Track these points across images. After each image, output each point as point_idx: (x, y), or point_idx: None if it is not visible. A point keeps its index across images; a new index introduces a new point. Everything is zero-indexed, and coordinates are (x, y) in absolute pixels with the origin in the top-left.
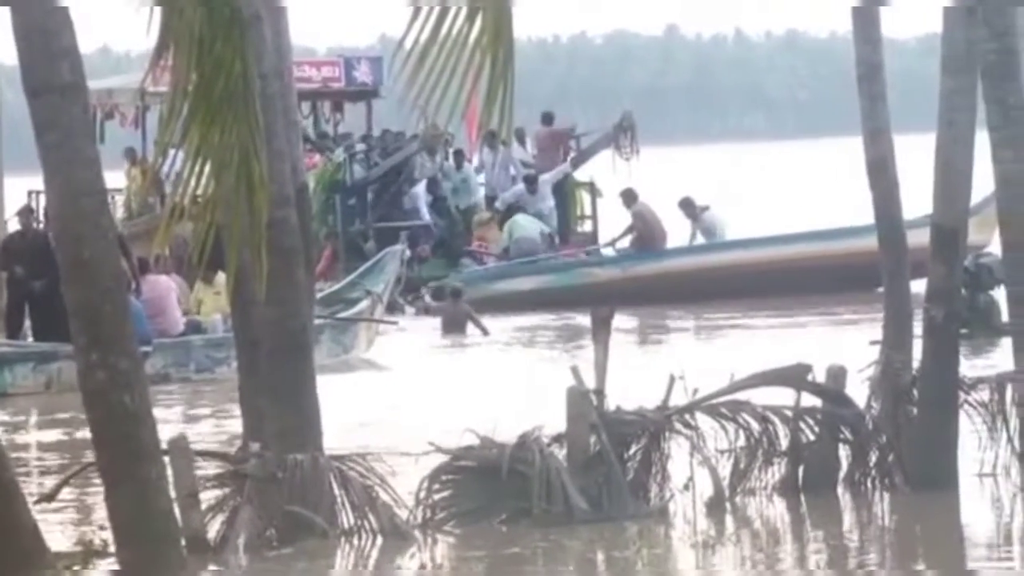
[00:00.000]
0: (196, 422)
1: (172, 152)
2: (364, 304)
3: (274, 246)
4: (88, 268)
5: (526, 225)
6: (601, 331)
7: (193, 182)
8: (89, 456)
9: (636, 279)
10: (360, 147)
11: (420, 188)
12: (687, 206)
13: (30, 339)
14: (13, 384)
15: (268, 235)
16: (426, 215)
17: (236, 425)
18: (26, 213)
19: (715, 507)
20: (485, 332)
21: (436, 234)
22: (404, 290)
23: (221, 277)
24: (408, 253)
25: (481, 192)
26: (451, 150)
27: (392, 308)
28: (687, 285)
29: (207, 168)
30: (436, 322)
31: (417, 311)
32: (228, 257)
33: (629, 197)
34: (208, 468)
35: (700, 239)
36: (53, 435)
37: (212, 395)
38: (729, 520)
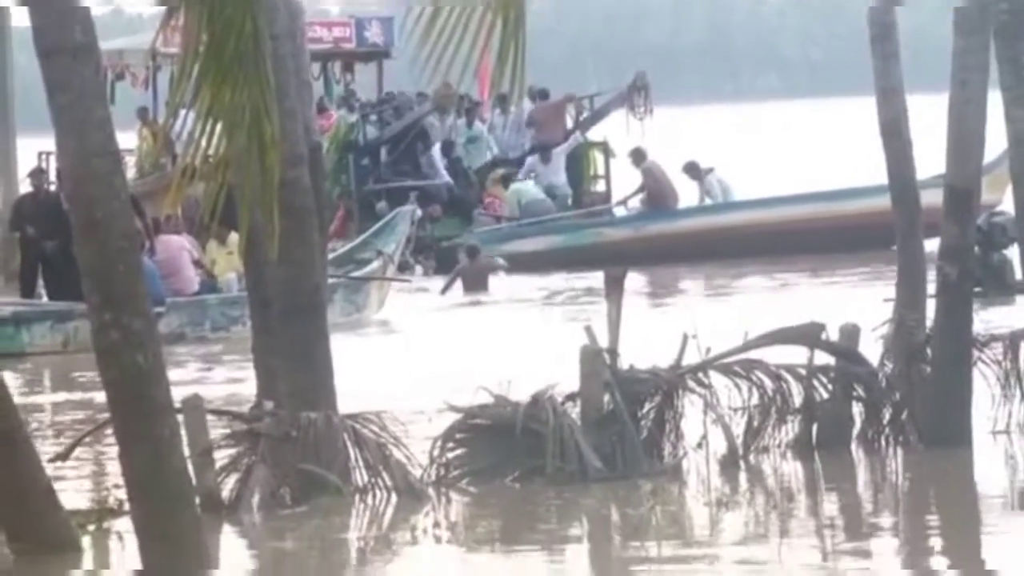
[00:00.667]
0: (210, 381)
1: (183, 113)
2: (376, 264)
3: (286, 206)
4: (101, 228)
5: (529, 189)
6: (614, 290)
7: (204, 142)
8: (103, 416)
9: (648, 239)
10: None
11: (436, 149)
12: (691, 169)
13: (44, 299)
14: (31, 343)
15: (280, 195)
16: (445, 175)
17: (250, 384)
18: (37, 175)
19: (729, 465)
20: (507, 269)
21: (450, 194)
22: (415, 249)
23: (234, 237)
24: (419, 213)
25: (492, 152)
26: (465, 109)
27: (403, 268)
28: (699, 245)
29: (218, 128)
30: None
31: (426, 271)
32: (240, 217)
33: (638, 156)
34: (222, 427)
35: (708, 201)
36: (69, 395)
37: (226, 354)
38: (743, 478)
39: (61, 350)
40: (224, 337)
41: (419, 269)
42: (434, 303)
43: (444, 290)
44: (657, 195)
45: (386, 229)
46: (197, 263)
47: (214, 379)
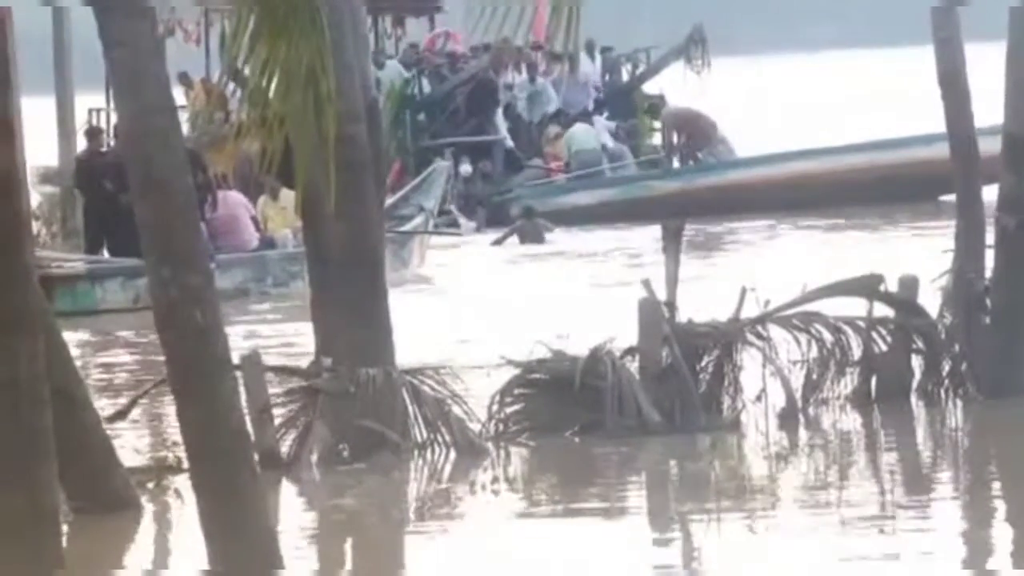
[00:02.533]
0: (269, 338)
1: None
2: (418, 220)
3: (344, 162)
4: (158, 185)
5: (584, 138)
6: (672, 243)
7: (261, 99)
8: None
9: (699, 192)
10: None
11: (499, 113)
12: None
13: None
14: (104, 300)
15: (338, 151)
16: (504, 132)
17: (308, 340)
18: (96, 133)
19: (788, 418)
20: (550, 231)
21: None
22: (466, 204)
23: (287, 193)
24: (470, 169)
25: (553, 105)
26: (524, 64)
27: (446, 224)
28: (750, 197)
29: (274, 85)
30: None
31: (479, 227)
32: (298, 174)
33: (655, 110)
34: (281, 384)
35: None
36: (131, 352)
37: (285, 310)
38: (802, 431)
39: (131, 307)
40: (284, 293)
41: (465, 224)
42: (489, 258)
43: (497, 242)
44: (696, 133)
45: (424, 185)
46: (253, 220)
47: (273, 336)
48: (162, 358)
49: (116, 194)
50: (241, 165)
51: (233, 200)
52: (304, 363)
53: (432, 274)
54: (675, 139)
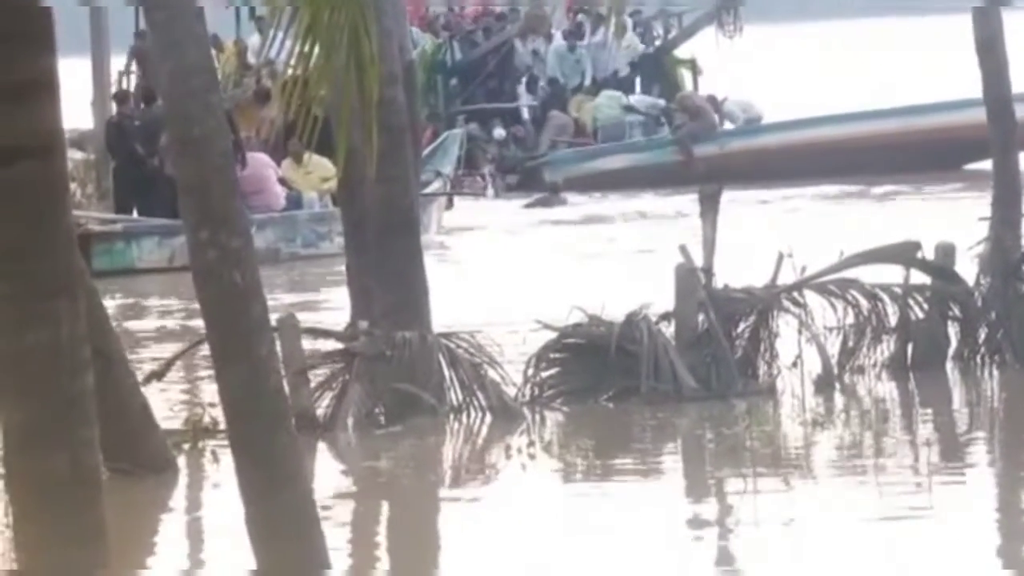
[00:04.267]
0: (303, 300)
1: (268, 33)
2: (436, 185)
3: (382, 125)
4: (198, 146)
5: (608, 108)
6: (709, 208)
7: (303, 62)
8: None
9: (732, 156)
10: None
11: (522, 86)
12: (710, 102)
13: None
14: (140, 258)
15: (377, 114)
16: (525, 99)
17: (342, 303)
18: (125, 97)
19: (823, 385)
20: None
21: (531, 116)
22: (496, 169)
23: (309, 157)
24: (503, 134)
25: (589, 74)
26: (555, 32)
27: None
28: (783, 162)
29: (316, 48)
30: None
31: (497, 192)
32: (338, 137)
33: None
34: (317, 346)
35: (729, 126)
36: (167, 314)
37: (317, 273)
38: (838, 397)
39: (167, 266)
40: (314, 254)
41: (491, 191)
42: (522, 223)
43: (529, 205)
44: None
45: (439, 151)
46: (281, 181)
47: (306, 298)
48: (198, 319)
49: (146, 157)
50: (264, 128)
51: (261, 161)
52: (334, 325)
53: (451, 240)
54: (679, 120)
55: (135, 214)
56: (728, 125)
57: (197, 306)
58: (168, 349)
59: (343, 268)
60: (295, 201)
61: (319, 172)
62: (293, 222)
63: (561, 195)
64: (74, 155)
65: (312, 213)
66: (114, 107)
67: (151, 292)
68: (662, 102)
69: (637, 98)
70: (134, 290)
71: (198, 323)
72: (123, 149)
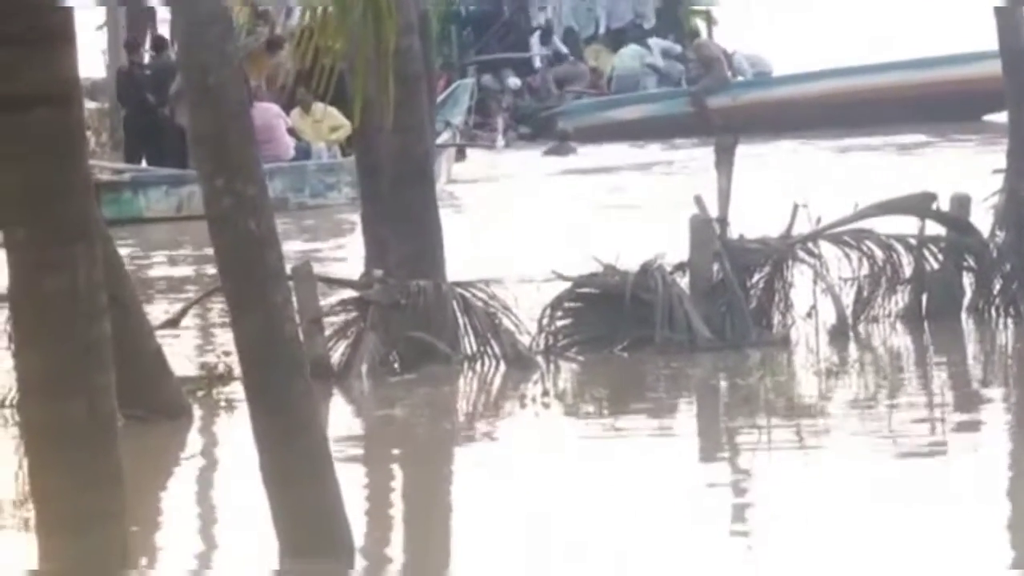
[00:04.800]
0: (311, 249)
1: None
2: (446, 135)
3: (398, 74)
4: (213, 95)
5: (628, 60)
6: (724, 159)
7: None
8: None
9: (746, 107)
10: None
11: (535, 38)
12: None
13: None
14: (148, 208)
15: (393, 63)
16: (538, 49)
17: (350, 253)
18: (135, 46)
19: (838, 335)
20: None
21: (544, 66)
22: (510, 118)
23: (319, 107)
24: (518, 83)
25: (603, 23)
26: None
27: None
28: (796, 113)
29: None
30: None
31: (508, 143)
32: (354, 86)
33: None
34: (332, 295)
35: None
36: (180, 263)
37: (325, 223)
38: (852, 348)
39: (175, 215)
40: (322, 204)
41: (501, 141)
42: (534, 173)
43: (546, 153)
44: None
45: (449, 101)
46: (290, 131)
47: (314, 248)
48: (207, 267)
49: (156, 106)
50: (279, 76)
51: (272, 111)
52: (345, 274)
53: (462, 190)
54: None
55: (144, 163)
56: (738, 78)
57: (205, 254)
58: (178, 298)
59: (351, 218)
60: (303, 152)
61: (328, 122)
62: (302, 172)
63: (571, 143)
64: (87, 104)
65: (320, 163)
66: (125, 56)
67: (157, 238)
68: (679, 48)
69: (654, 41)
70: (142, 237)
71: (209, 271)
72: (134, 98)
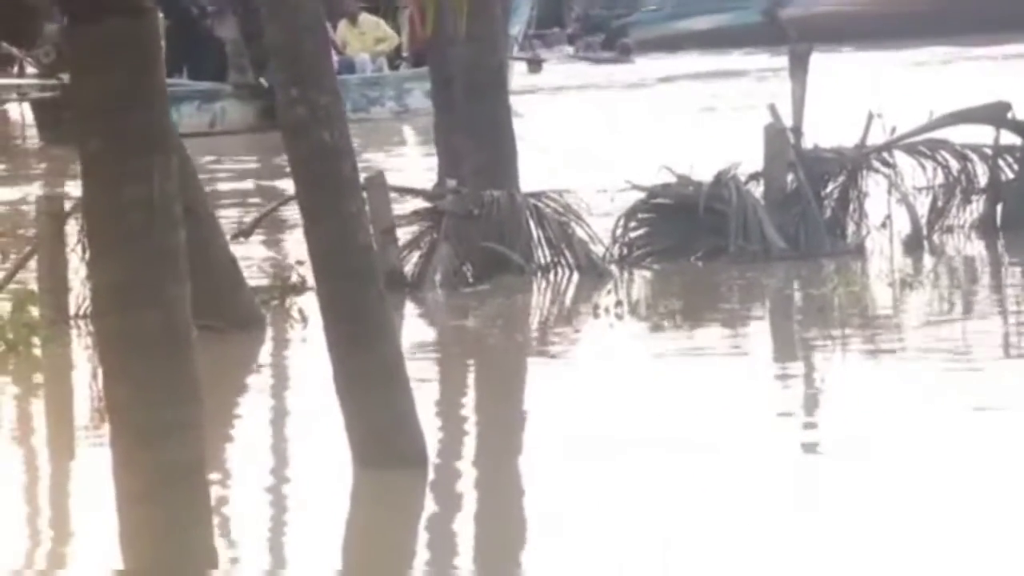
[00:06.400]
0: (384, 160)
1: None
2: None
3: None
4: (287, 6)
5: None
6: (798, 68)
7: None
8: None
9: (819, 17)
10: None
11: None
12: None
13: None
14: (180, 123)
15: None
16: None
17: (422, 162)
18: None
19: (912, 245)
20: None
21: None
22: (581, 28)
23: (365, 18)
24: None
25: None
26: None
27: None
28: (869, 24)
29: None
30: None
31: (577, 51)
32: None
33: None
34: (405, 205)
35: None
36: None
37: (374, 135)
38: (926, 258)
39: (208, 130)
40: (364, 118)
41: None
42: (602, 83)
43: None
44: None
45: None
46: (332, 43)
47: (387, 156)
48: (245, 183)
49: (198, 18)
50: None
51: None
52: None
53: (532, 101)
54: None
55: (185, 76)
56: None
57: (244, 168)
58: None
59: (399, 131)
60: (346, 65)
61: (373, 33)
62: (344, 86)
63: (631, 55)
64: None
65: (364, 77)
66: None
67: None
68: None
69: None
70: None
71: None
72: (176, 9)
